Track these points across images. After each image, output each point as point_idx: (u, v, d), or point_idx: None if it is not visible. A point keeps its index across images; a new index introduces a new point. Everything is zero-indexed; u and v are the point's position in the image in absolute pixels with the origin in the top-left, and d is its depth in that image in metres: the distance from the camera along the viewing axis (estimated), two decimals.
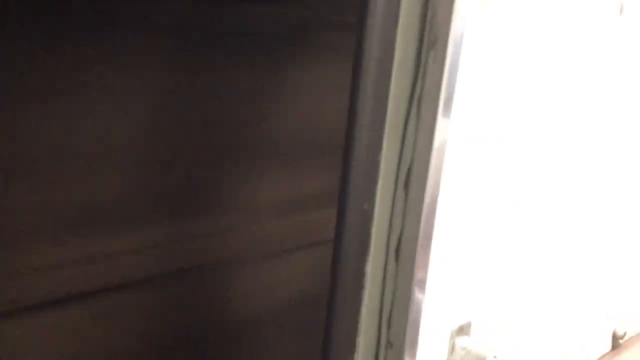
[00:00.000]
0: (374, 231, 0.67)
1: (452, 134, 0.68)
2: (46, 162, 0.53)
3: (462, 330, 0.77)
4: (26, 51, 0.48)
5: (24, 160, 0.51)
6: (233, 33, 0.66)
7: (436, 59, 0.62)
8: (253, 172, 0.75)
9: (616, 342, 1.13)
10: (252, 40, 0.67)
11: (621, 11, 0.82)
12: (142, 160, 0.57)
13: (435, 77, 0.62)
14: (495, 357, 0.73)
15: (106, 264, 0.60)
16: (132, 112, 0.55)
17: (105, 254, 0.60)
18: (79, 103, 0.52)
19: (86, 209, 0.58)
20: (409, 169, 0.66)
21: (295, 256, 0.73)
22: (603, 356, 1.09)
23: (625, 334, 1.13)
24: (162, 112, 0.58)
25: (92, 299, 0.59)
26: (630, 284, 1.16)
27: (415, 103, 0.64)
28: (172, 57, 0.58)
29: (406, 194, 0.66)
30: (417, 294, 0.68)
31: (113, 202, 0.60)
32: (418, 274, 0.67)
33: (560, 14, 0.77)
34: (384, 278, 0.68)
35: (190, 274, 0.70)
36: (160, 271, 0.67)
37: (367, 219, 0.66)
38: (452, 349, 0.76)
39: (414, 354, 0.68)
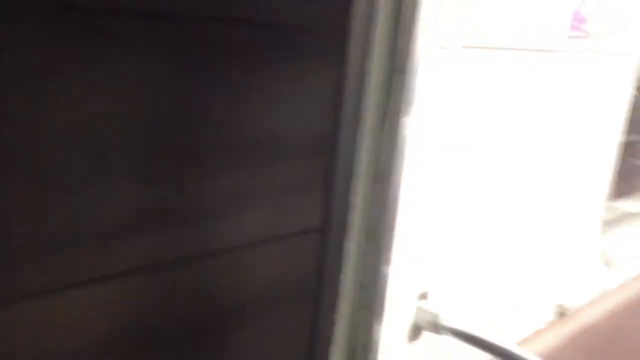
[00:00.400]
0: (354, 219, 0.84)
1: (417, 140, 0.85)
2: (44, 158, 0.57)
3: (424, 296, 0.95)
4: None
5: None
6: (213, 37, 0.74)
7: (403, 82, 0.79)
8: (240, 168, 0.86)
9: (560, 313, 1.31)
10: (231, 44, 0.75)
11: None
12: (130, 155, 0.64)
13: (401, 96, 0.79)
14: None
15: (98, 253, 0.65)
16: (122, 109, 0.62)
17: (98, 243, 0.64)
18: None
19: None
20: (381, 169, 0.83)
21: (282, 244, 0.87)
22: (548, 325, 1.28)
23: (567, 306, 1.31)
24: (150, 108, 0.66)
25: (89, 287, 0.66)
26: (572, 261, 1.34)
27: (387, 117, 0.81)
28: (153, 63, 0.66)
29: (378, 189, 0.83)
30: (385, 268, 0.85)
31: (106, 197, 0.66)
32: (386, 253, 0.85)
33: (509, 47, 0.94)
34: (360, 255, 0.86)
35: (179, 264, 0.77)
36: (150, 262, 0.73)
37: (348, 208, 0.83)
38: (416, 311, 0.94)
39: (381, 314, 0.86)
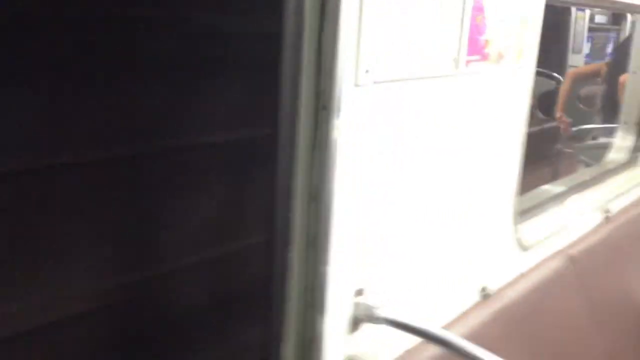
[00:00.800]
0: (295, 232, 1.00)
1: (345, 163, 1.00)
2: None
3: (360, 292, 1.11)
4: None
5: None
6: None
7: (327, 116, 0.95)
8: (193, 190, 0.99)
9: (484, 295, 1.49)
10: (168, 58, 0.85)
11: (457, 65, 1.17)
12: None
13: (327, 127, 0.95)
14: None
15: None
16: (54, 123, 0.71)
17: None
18: None
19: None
20: (315, 189, 0.99)
21: (234, 258, 1.01)
22: (473, 306, 1.46)
23: (490, 287, 1.50)
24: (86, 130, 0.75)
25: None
26: (492, 247, 1.53)
27: (317, 146, 0.97)
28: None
29: (314, 206, 0.99)
30: (324, 270, 1.01)
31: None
32: (323, 258, 1.00)
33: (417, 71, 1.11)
34: (302, 261, 1.01)
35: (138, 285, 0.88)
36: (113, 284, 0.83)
37: (289, 223, 0.99)
38: (354, 305, 1.10)
39: (324, 311, 1.02)
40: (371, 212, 1.11)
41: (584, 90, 4.17)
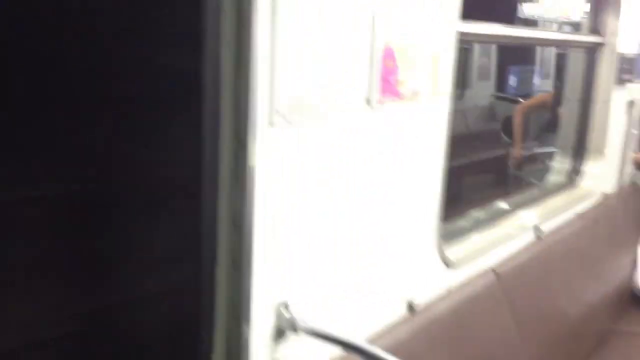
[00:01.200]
0: (221, 253, 1.13)
1: (264, 191, 1.14)
2: None
3: (285, 304, 1.24)
4: None
5: None
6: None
7: (244, 152, 1.09)
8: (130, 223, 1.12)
9: (410, 309, 1.63)
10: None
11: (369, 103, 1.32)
12: None
13: (245, 162, 1.10)
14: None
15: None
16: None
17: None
18: None
19: None
20: (238, 215, 1.13)
21: (165, 278, 1.14)
22: (399, 320, 1.59)
23: (416, 300, 1.63)
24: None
25: None
26: (420, 266, 1.67)
27: (239, 178, 1.11)
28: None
29: (237, 231, 1.13)
30: (249, 287, 1.15)
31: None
32: (247, 276, 1.14)
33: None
34: (228, 279, 1.15)
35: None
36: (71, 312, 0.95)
37: (215, 247, 1.12)
38: (277, 317, 1.23)
39: (249, 322, 1.15)
40: (296, 233, 1.25)
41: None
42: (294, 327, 1.24)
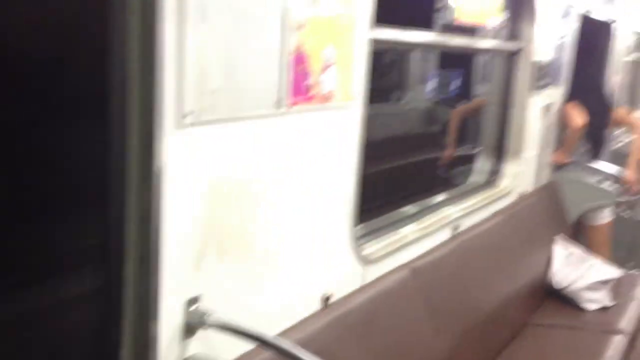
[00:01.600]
0: (129, 250, 1.16)
1: (174, 189, 1.18)
2: None
3: (195, 300, 1.28)
4: None
5: None
6: None
7: (152, 156, 1.12)
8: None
9: (325, 303, 1.69)
10: None
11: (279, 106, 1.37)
12: None
13: (152, 163, 1.13)
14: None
15: None
16: None
17: None
18: None
19: None
20: (146, 213, 1.16)
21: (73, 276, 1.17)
22: (314, 314, 1.65)
23: (331, 296, 1.70)
24: None
25: None
26: (336, 262, 1.73)
27: (147, 176, 1.14)
28: None
29: (145, 226, 1.16)
30: (156, 284, 1.18)
31: None
32: (155, 273, 1.17)
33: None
34: (136, 276, 1.18)
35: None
36: None
37: (123, 246, 1.15)
38: (186, 312, 1.27)
39: (157, 319, 1.18)
40: (209, 230, 1.29)
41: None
42: (204, 322, 1.28)
